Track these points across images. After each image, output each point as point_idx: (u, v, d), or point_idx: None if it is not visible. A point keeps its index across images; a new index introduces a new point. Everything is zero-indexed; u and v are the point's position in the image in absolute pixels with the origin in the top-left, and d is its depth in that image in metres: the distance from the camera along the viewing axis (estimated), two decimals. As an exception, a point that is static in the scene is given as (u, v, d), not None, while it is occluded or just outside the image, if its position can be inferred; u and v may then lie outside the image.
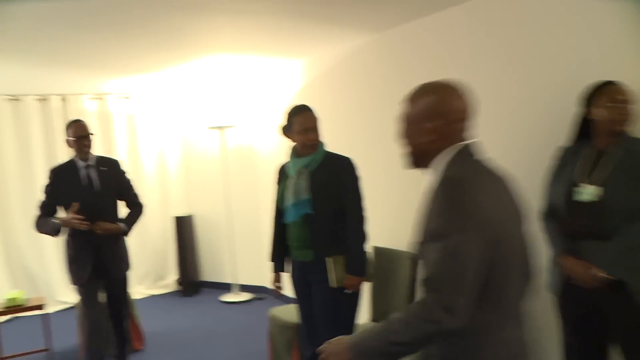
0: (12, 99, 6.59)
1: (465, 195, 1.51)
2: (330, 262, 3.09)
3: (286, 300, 6.19)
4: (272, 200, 3.42)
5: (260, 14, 3.94)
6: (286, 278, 3.47)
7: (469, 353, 1.58)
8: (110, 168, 4.10)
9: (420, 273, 1.62)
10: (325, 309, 3.17)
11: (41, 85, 6.31)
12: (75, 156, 3.99)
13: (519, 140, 3.47)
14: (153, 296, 7.11)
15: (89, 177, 3.96)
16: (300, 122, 3.13)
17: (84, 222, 3.72)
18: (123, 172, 4.21)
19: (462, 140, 1.66)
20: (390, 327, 1.57)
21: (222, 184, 6.73)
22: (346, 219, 3.14)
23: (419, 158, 1.73)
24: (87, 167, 3.97)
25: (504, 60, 3.57)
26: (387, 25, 4.41)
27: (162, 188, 7.35)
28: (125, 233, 4.09)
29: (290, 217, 3.20)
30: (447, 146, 1.65)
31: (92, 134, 3.99)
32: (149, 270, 7.25)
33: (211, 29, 4.33)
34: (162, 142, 7.36)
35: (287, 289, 3.56)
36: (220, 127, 6.49)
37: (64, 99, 6.81)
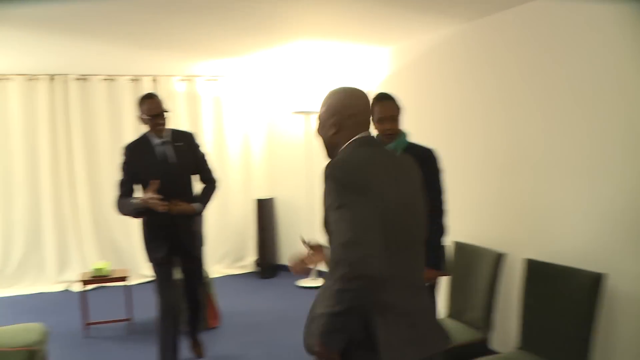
0: (107, 79, 6.87)
1: (348, 173, 1.83)
2: None
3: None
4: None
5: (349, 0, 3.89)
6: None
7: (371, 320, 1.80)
8: (185, 142, 3.96)
9: (329, 243, 1.87)
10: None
11: (134, 67, 6.54)
12: (149, 132, 3.85)
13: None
14: (231, 276, 7.26)
15: (165, 153, 3.83)
16: (378, 111, 3.06)
17: (162, 203, 3.60)
18: (197, 146, 4.07)
19: (359, 132, 1.98)
20: (328, 303, 1.75)
21: (304, 168, 6.74)
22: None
23: (330, 149, 2.08)
24: (163, 143, 3.84)
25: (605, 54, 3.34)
26: (479, 14, 4.25)
27: (245, 170, 7.46)
28: (200, 213, 4.00)
29: None
30: (348, 138, 1.97)
31: (166, 112, 3.84)
32: (228, 251, 7.40)
33: (299, 14, 4.32)
34: (247, 125, 7.47)
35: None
36: (305, 112, 6.49)
37: (154, 80, 7.04)
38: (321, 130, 2.08)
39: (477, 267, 3.62)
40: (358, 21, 4.59)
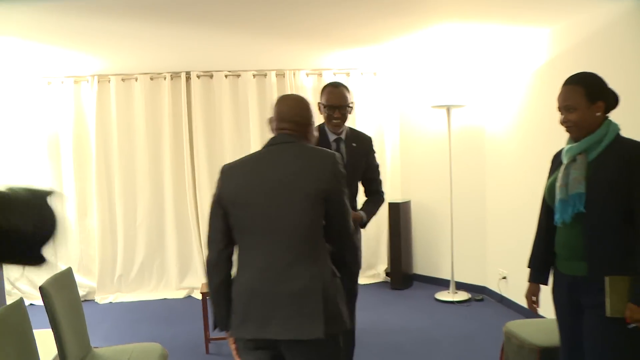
0: (230, 75, 6.56)
1: (219, 177, 2.23)
2: (608, 283, 2.27)
3: (514, 307, 5.43)
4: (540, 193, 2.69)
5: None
6: (547, 293, 2.69)
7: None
8: (361, 145, 3.52)
9: None
10: (594, 343, 2.34)
11: (259, 61, 6.17)
12: (326, 124, 3.45)
13: None
14: (360, 285, 6.63)
15: (339, 152, 3.36)
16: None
17: None
18: (374, 152, 3.61)
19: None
20: None
21: (445, 169, 6.06)
22: (636, 228, 2.28)
23: None
24: (338, 140, 3.44)
25: None
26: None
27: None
28: (364, 224, 3.49)
29: (558, 217, 2.42)
30: None
31: (347, 106, 3.37)
32: (358, 258, 6.84)
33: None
34: (380, 121, 6.86)
35: (545, 306, 2.78)
36: (446, 106, 5.80)
37: (281, 74, 6.64)
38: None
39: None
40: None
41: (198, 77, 6.48)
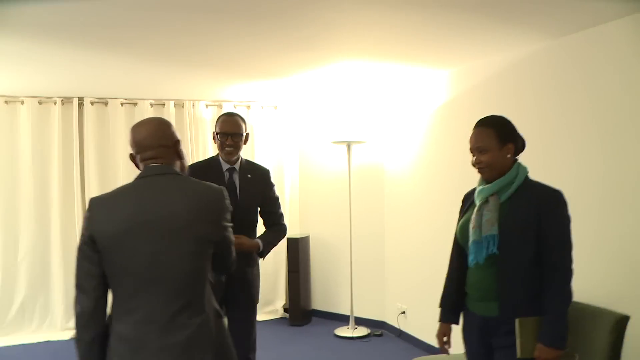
0: (126, 103, 6.30)
1: (87, 213, 1.97)
2: (518, 325, 2.31)
3: (413, 342, 5.48)
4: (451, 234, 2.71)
5: (410, 13, 3.30)
6: (456, 330, 2.70)
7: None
8: (257, 177, 3.46)
9: None
10: (506, 383, 2.38)
11: (157, 90, 5.98)
12: (219, 154, 3.39)
13: None
14: (258, 322, 6.45)
15: (231, 181, 3.35)
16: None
17: None
18: (272, 186, 3.54)
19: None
20: None
21: (344, 204, 6.11)
22: (545, 270, 2.34)
23: None
24: (231, 170, 3.37)
25: None
26: (571, 29, 3.59)
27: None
28: (262, 253, 3.39)
29: (472, 258, 2.45)
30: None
31: (241, 134, 3.32)
32: (256, 294, 6.68)
33: (349, 30, 3.73)
34: (279, 156, 6.82)
35: (456, 346, 2.78)
36: (347, 142, 5.86)
37: (179, 105, 6.47)
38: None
39: (592, 333, 2.83)
40: (416, 40, 3.98)
41: (92, 103, 6.14)
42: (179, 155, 2.11)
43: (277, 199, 3.55)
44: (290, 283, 6.43)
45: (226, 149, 3.29)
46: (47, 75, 5.06)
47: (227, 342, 2.06)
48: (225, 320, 2.10)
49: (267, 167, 3.63)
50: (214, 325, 2.00)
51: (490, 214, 2.39)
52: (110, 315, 1.97)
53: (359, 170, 6.21)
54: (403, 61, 4.70)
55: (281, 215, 3.57)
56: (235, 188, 3.33)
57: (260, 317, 6.45)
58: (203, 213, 1.98)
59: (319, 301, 6.69)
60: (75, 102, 6.12)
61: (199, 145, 6.51)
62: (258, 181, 3.44)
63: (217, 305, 2.08)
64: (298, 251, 6.34)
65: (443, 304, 2.73)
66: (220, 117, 3.40)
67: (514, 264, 2.34)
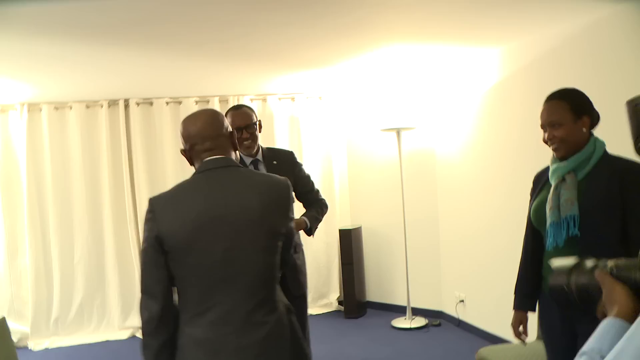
0: (172, 102, 6.28)
1: (149, 214, 1.89)
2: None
3: (473, 331, 5.32)
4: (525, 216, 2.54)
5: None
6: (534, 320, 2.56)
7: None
8: (283, 161, 3.36)
9: None
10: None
11: (201, 87, 5.94)
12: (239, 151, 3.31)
13: None
14: (312, 316, 6.42)
15: None
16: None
17: None
18: (299, 165, 3.44)
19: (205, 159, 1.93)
20: None
21: (395, 193, 5.97)
22: (631, 249, 2.15)
23: None
24: (255, 162, 3.28)
25: None
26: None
27: (326, 197, 6.67)
28: (310, 230, 3.31)
29: (552, 241, 2.28)
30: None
31: (254, 123, 3.23)
32: (309, 288, 6.59)
33: (394, 13, 3.59)
34: (327, 146, 6.72)
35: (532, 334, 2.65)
36: (396, 129, 5.72)
37: (223, 100, 6.41)
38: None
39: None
40: (460, 18, 3.82)
41: (137, 104, 6.17)
42: (235, 146, 2.02)
43: (309, 176, 3.47)
44: (344, 275, 6.33)
45: (244, 142, 3.19)
46: (93, 78, 5.10)
47: (299, 337, 1.98)
48: (295, 318, 2.00)
49: (290, 149, 3.56)
50: (289, 322, 1.94)
51: (569, 193, 2.22)
52: (179, 319, 1.88)
53: (409, 156, 6.07)
54: (451, 42, 4.54)
55: (317, 191, 3.49)
56: None
57: (315, 310, 6.43)
58: (274, 206, 1.91)
59: (374, 292, 6.58)
60: (121, 103, 6.14)
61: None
62: (285, 164, 3.34)
63: (287, 301, 2.01)
64: (351, 243, 6.23)
65: (518, 290, 2.57)
66: (227, 112, 3.28)
67: (597, 245, 2.15)
